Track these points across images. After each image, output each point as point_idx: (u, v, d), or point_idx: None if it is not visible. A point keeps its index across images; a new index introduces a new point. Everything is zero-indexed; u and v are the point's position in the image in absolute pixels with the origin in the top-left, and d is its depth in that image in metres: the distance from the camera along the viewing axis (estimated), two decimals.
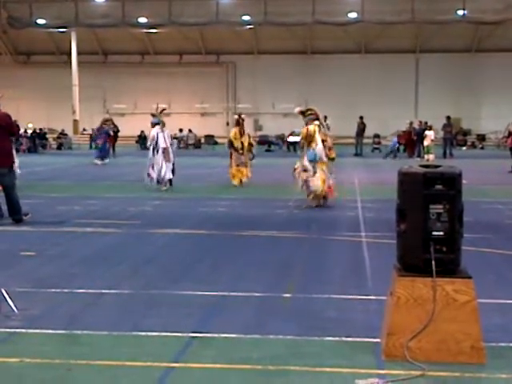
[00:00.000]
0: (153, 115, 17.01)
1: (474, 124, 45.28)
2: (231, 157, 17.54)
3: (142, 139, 37.96)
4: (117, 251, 8.78)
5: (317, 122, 13.24)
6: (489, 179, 19.29)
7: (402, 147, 33.29)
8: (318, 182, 12.87)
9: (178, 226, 10.59)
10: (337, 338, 5.15)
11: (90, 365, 4.64)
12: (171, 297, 6.39)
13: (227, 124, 44.29)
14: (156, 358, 4.75)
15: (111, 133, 28.67)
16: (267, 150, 37.56)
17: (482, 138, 43.68)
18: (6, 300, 5.79)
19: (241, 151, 17.39)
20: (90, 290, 6.60)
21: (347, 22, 42.71)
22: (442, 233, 4.63)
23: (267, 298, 6.36)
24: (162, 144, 16.34)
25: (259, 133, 43.31)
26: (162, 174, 16.14)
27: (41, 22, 44.48)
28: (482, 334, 4.63)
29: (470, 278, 4.69)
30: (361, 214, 12.20)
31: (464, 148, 41.25)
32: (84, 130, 45.89)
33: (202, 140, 43.07)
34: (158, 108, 17.14)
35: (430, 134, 28.57)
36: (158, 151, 16.25)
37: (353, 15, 42.53)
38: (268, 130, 44.17)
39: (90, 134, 41.81)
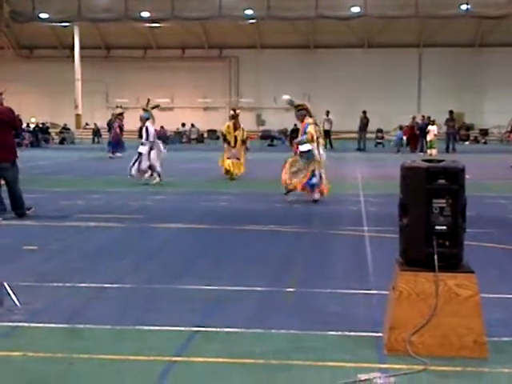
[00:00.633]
0: (144, 110, 16.98)
1: (477, 119, 45.18)
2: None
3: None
4: (119, 246, 8.79)
5: (311, 120, 13.25)
6: (492, 174, 19.27)
7: (404, 141, 33.28)
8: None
9: (180, 221, 10.60)
10: (339, 333, 5.15)
11: (92, 359, 4.65)
12: (174, 291, 6.39)
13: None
14: (158, 352, 4.75)
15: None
16: (269, 145, 37.56)
17: (484, 132, 43.61)
18: (9, 294, 5.79)
19: (233, 145, 17.56)
20: (93, 285, 6.61)
21: (350, 16, 42.59)
22: (444, 227, 4.63)
23: (269, 293, 6.36)
24: (155, 139, 16.52)
25: (262, 127, 43.27)
26: (157, 167, 16.19)
27: (43, 16, 44.42)
28: (485, 329, 4.63)
29: (472, 272, 4.68)
30: (363, 208, 12.19)
31: (467, 143, 41.19)
32: (87, 124, 45.88)
33: (205, 134, 43.05)
34: (148, 103, 17.09)
35: (433, 128, 28.54)
36: (152, 146, 16.27)
37: (356, 10, 42.42)
38: (270, 125, 44.12)
39: (93, 129, 41.83)
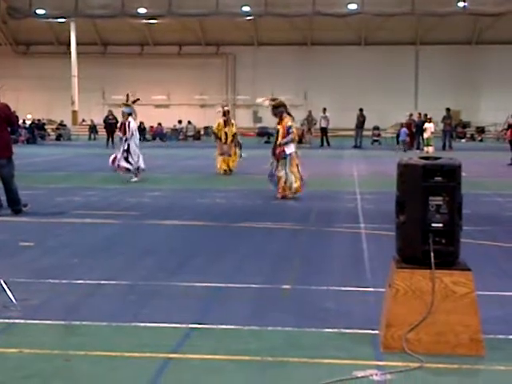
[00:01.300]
0: (126, 105, 16.89)
1: (474, 116, 45.26)
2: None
3: (141, 130, 37.89)
4: (116, 242, 8.79)
5: (290, 120, 13.19)
6: (488, 172, 19.29)
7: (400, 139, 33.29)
8: (292, 178, 12.89)
9: (177, 218, 10.59)
10: (335, 330, 5.15)
11: (88, 355, 4.64)
12: (170, 288, 6.39)
13: None
14: (155, 348, 4.75)
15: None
16: (266, 142, 37.49)
17: (481, 130, 43.65)
18: (5, 290, 5.78)
19: (224, 141, 17.89)
20: (89, 281, 6.60)
21: (347, 13, 42.61)
22: (441, 225, 4.63)
23: (266, 290, 6.36)
24: (137, 134, 16.48)
25: (258, 124, 43.26)
26: (140, 163, 16.12)
27: (40, 12, 44.35)
28: (481, 326, 4.64)
29: (469, 270, 4.69)
30: (360, 205, 12.20)
31: (463, 140, 41.22)
32: (83, 120, 45.82)
33: (202, 131, 43.03)
34: (128, 98, 17.01)
35: (429, 126, 28.55)
36: (135, 142, 16.17)
37: (353, 6, 42.43)
38: (267, 122, 44.02)
39: (89, 125, 41.77)
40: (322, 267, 7.34)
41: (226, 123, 18.04)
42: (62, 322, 5.33)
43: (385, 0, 41.44)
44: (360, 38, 46.31)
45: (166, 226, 10.04)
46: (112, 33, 47.58)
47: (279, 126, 13.03)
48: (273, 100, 13.47)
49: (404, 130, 31.51)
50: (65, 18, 44.56)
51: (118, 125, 17.33)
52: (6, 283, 5.90)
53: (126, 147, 16.02)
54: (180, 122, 43.07)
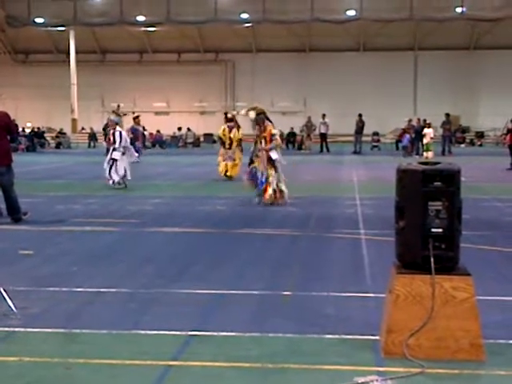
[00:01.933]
0: (116, 114, 16.91)
1: (473, 121, 45.30)
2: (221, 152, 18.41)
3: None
4: (116, 250, 8.78)
5: (273, 128, 13.33)
6: (487, 177, 19.30)
7: (400, 144, 33.31)
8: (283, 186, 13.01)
9: (177, 225, 10.59)
10: (336, 336, 5.14)
11: (89, 363, 4.64)
12: (170, 295, 6.39)
13: None
14: (155, 356, 4.74)
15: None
16: None
17: (480, 135, 43.70)
18: (5, 299, 5.78)
19: (228, 146, 18.09)
20: (89, 289, 6.59)
21: (345, 19, 42.68)
22: (440, 230, 4.63)
23: (266, 296, 6.36)
24: (127, 144, 16.55)
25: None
26: (128, 173, 16.20)
27: (39, 20, 44.43)
28: (481, 331, 4.63)
29: (468, 275, 4.69)
30: (359, 211, 12.20)
31: (462, 145, 41.25)
32: (83, 128, 45.86)
33: (201, 138, 43.06)
34: (119, 108, 17.09)
35: (429, 131, 28.57)
36: (123, 151, 16.19)
37: (351, 13, 42.51)
38: None
39: (89, 133, 41.78)
40: (322, 273, 7.33)
41: (231, 129, 18.20)
42: (62, 330, 5.33)
43: (383, 6, 41.52)
44: (359, 44, 46.39)
45: (166, 233, 10.04)
46: (111, 41, 47.67)
47: (264, 134, 13.12)
48: (253, 109, 13.60)
49: (408, 136, 31.36)
50: (64, 26, 44.63)
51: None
52: (5, 291, 5.89)
53: (112, 156, 16.07)
54: (180, 129, 43.10)
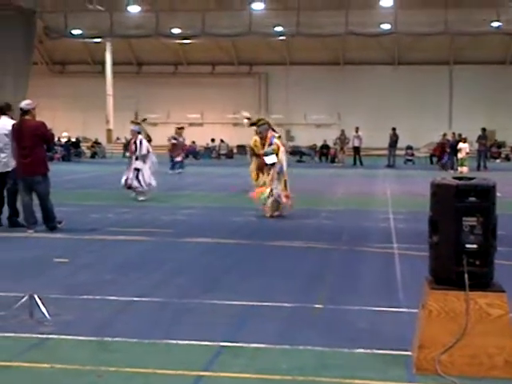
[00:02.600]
0: (136, 123, 16.81)
1: (509, 136, 44.74)
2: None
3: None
4: (149, 259, 8.83)
5: (276, 134, 13.30)
6: None
7: (434, 159, 33.01)
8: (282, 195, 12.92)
9: (210, 235, 10.62)
10: (367, 350, 5.11)
11: (120, 372, 4.67)
12: (202, 306, 6.41)
13: None
14: (186, 366, 4.76)
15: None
16: (298, 161, 37.52)
17: None
18: (39, 306, 5.85)
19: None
20: (122, 298, 6.65)
21: (380, 33, 42.52)
22: (475, 246, 4.58)
23: (297, 309, 6.35)
24: (149, 152, 16.23)
25: (291, 143, 43.31)
26: (152, 182, 16.05)
27: (76, 32, 45.02)
28: None
29: (503, 291, 4.63)
30: (392, 225, 12.12)
31: (498, 160, 40.77)
32: (117, 138, 46.31)
33: (234, 150, 43.20)
34: (137, 117, 17.02)
35: (464, 146, 28.24)
36: (143, 160, 15.99)
37: (386, 26, 42.34)
38: (300, 141, 44.19)
39: (124, 143, 42.16)
40: (355, 287, 7.30)
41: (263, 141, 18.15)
42: (95, 338, 5.38)
43: (418, 20, 41.27)
44: (393, 58, 46.20)
45: (198, 243, 10.07)
46: (146, 52, 48.13)
47: (266, 142, 13.09)
48: (248, 119, 13.61)
49: (448, 155, 30.75)
50: (100, 37, 45.19)
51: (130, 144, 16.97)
52: (40, 298, 5.96)
53: (136, 166, 15.91)
54: (213, 140, 43.30)
